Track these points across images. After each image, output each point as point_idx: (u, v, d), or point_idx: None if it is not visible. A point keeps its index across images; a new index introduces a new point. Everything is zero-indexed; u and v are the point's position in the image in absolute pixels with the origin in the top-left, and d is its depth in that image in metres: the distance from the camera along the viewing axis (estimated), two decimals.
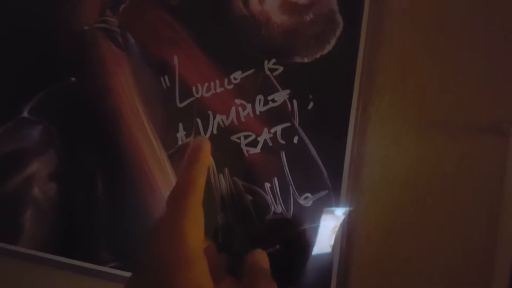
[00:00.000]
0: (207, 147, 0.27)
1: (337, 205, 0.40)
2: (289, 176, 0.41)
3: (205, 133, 0.45)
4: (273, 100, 0.42)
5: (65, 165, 0.51)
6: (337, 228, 0.40)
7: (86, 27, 0.50)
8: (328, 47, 0.40)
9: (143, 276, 0.23)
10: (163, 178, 0.46)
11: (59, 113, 0.51)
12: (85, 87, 0.50)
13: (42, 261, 0.51)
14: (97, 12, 0.50)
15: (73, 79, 0.51)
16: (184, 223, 0.22)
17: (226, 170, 0.44)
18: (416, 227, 0.39)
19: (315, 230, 0.40)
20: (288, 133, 0.42)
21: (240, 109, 0.43)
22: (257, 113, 0.43)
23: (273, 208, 0.42)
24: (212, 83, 0.44)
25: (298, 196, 0.41)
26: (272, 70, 0.42)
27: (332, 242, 0.40)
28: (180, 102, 0.45)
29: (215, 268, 0.24)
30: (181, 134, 0.45)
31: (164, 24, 0.47)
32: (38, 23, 0.53)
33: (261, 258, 0.29)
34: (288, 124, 0.42)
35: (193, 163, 0.26)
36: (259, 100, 0.43)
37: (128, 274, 0.47)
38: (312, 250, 0.40)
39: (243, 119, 0.43)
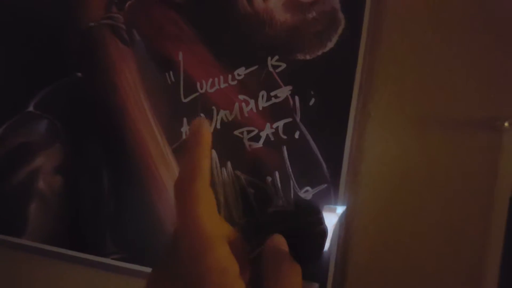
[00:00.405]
0: (206, 128, 0.25)
1: (336, 198, 0.41)
2: (290, 170, 0.43)
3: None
4: (276, 96, 0.43)
5: (70, 159, 0.52)
6: (335, 221, 0.41)
7: (92, 24, 0.51)
8: (330, 45, 0.41)
9: (165, 268, 0.23)
10: (167, 172, 0.47)
11: (64, 108, 0.52)
12: (91, 83, 0.51)
13: (47, 254, 0.52)
14: (103, 9, 0.51)
15: (79, 74, 0.52)
16: (196, 209, 0.21)
17: (229, 163, 0.45)
18: (412, 220, 0.40)
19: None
20: (289, 129, 0.43)
21: (243, 104, 0.44)
22: (260, 108, 0.44)
23: (274, 201, 0.43)
24: (216, 79, 0.45)
25: (298, 189, 0.42)
26: (275, 67, 0.43)
27: (330, 234, 0.41)
28: (185, 97, 0.47)
29: (240, 255, 0.22)
30: (185, 128, 0.47)
31: (169, 20, 0.48)
32: (44, 19, 0.54)
33: (280, 241, 0.29)
34: (290, 120, 0.43)
35: (195, 147, 0.24)
36: (262, 96, 0.44)
37: (132, 266, 0.48)
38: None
39: (246, 114, 0.44)
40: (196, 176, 0.22)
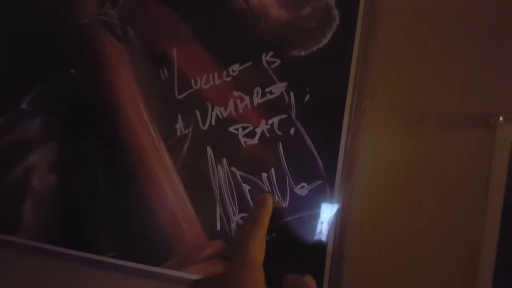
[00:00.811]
0: (270, 202, 0.35)
1: (332, 194, 0.41)
2: (286, 166, 0.43)
3: (204, 125, 0.46)
4: (271, 92, 0.43)
5: (65, 156, 0.51)
6: (331, 216, 0.41)
7: (85, 20, 0.51)
8: (325, 41, 0.41)
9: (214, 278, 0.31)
10: (162, 169, 0.47)
11: (58, 105, 0.52)
12: (85, 79, 0.51)
13: (42, 252, 0.52)
14: (96, 5, 0.50)
15: (72, 71, 0.51)
16: (253, 241, 0.32)
17: (224, 160, 0.45)
18: (407, 215, 0.40)
19: (310, 218, 0.42)
20: (285, 125, 0.43)
21: (238, 101, 0.44)
22: (255, 105, 0.44)
23: None
24: (210, 75, 0.45)
25: (294, 185, 0.42)
26: (269, 63, 0.43)
27: (326, 230, 0.41)
28: (179, 94, 0.46)
29: None
30: (179, 125, 0.46)
31: (164, 16, 0.47)
32: (38, 16, 0.54)
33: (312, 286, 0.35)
34: (285, 116, 0.43)
35: (260, 212, 0.34)
36: (257, 92, 0.44)
37: (127, 263, 0.48)
38: (307, 237, 0.41)
39: (241, 111, 0.44)
40: (259, 225, 0.33)
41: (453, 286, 0.39)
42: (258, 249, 0.32)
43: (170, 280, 0.46)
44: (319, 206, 0.41)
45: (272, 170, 0.43)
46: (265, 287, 0.30)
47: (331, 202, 0.41)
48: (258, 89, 0.44)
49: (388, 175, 0.41)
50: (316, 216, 0.41)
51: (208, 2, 0.46)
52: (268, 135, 0.43)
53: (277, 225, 0.42)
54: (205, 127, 0.45)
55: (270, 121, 0.43)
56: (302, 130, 0.42)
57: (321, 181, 0.42)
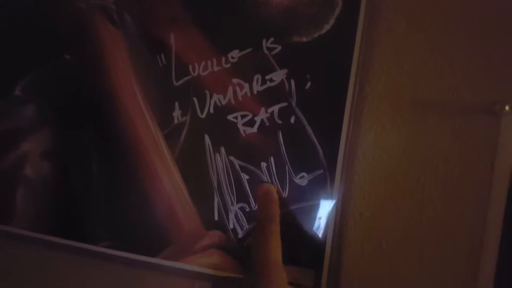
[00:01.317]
0: (275, 193, 0.37)
1: (332, 184, 0.40)
2: (285, 156, 0.42)
3: (202, 113, 0.44)
4: (271, 80, 0.42)
5: (59, 144, 0.50)
6: (331, 206, 0.40)
7: (82, 5, 0.49)
8: (327, 27, 0.40)
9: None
10: (158, 158, 0.46)
11: (53, 92, 0.51)
12: (80, 65, 0.49)
13: (35, 241, 0.51)
14: None
15: (67, 57, 0.50)
16: (270, 241, 0.33)
17: (223, 149, 0.44)
18: (409, 205, 0.40)
19: (310, 208, 0.41)
20: (285, 113, 0.42)
21: (237, 88, 0.43)
22: (255, 92, 0.43)
23: None
24: (209, 62, 0.44)
25: (294, 175, 0.41)
26: (270, 49, 0.42)
27: (326, 220, 0.40)
28: (177, 81, 0.45)
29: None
30: (177, 113, 0.45)
31: (161, 1, 0.46)
32: (32, 0, 0.52)
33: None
34: (285, 104, 0.42)
35: (269, 209, 0.36)
36: (257, 79, 0.43)
37: (122, 253, 0.47)
38: (307, 227, 0.41)
39: (240, 99, 0.43)
40: (273, 222, 0.35)
41: (455, 276, 0.38)
42: (277, 248, 0.33)
43: (166, 270, 0.45)
44: (319, 196, 0.41)
45: (272, 159, 0.42)
46: (288, 287, 0.32)
47: (331, 192, 0.40)
48: (258, 76, 0.43)
49: (390, 165, 0.40)
50: (316, 206, 0.41)
51: None
52: (267, 124, 0.42)
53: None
54: (203, 115, 0.44)
55: (270, 110, 0.42)
56: (302, 118, 0.41)
57: (322, 171, 0.41)
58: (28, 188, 0.51)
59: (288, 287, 0.33)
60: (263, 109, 0.42)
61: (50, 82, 0.51)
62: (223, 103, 0.44)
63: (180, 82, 0.45)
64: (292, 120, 0.42)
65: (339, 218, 0.41)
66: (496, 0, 0.38)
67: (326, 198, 0.41)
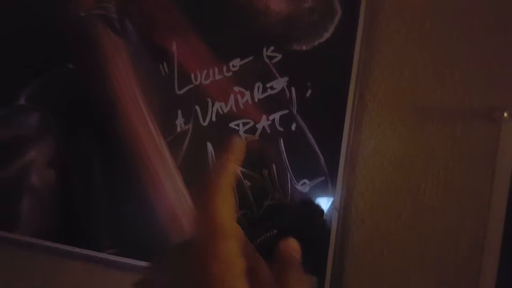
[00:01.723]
0: (242, 144, 0.27)
1: (334, 191, 0.41)
2: (287, 163, 0.42)
3: (204, 121, 0.45)
4: (272, 88, 0.43)
5: (63, 152, 0.51)
6: (333, 213, 0.41)
7: (83, 14, 0.50)
8: (327, 35, 0.41)
9: (169, 259, 0.25)
10: (161, 165, 0.46)
11: (56, 100, 0.51)
12: (83, 74, 0.50)
13: (41, 249, 0.51)
14: None
15: (70, 66, 0.51)
16: (215, 201, 0.23)
17: None
18: (410, 212, 0.40)
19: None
20: (286, 120, 0.42)
21: (239, 96, 0.44)
22: (256, 100, 0.43)
23: (271, 194, 0.43)
24: (211, 70, 0.44)
25: (295, 182, 0.42)
26: (270, 58, 0.43)
27: (328, 226, 0.41)
28: (179, 89, 0.46)
29: (247, 255, 0.24)
30: (180, 121, 0.46)
31: (163, 10, 0.46)
32: (35, 10, 0.53)
33: (294, 248, 0.29)
34: (286, 112, 0.42)
35: (225, 155, 0.26)
36: (258, 87, 0.43)
37: (127, 260, 0.47)
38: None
39: (241, 106, 0.44)
40: (221, 175, 0.25)
41: (456, 282, 0.38)
42: (226, 213, 0.24)
43: None
44: (321, 203, 0.41)
45: (273, 166, 0.43)
46: (242, 276, 0.22)
47: (333, 198, 0.41)
48: (259, 84, 0.43)
49: (391, 171, 0.41)
50: (318, 213, 0.41)
51: None
52: (269, 131, 0.43)
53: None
54: (206, 123, 0.45)
55: (271, 117, 0.43)
56: (303, 125, 0.42)
57: (323, 178, 0.41)
58: (34, 196, 0.52)
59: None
60: (264, 117, 0.43)
61: (54, 92, 0.52)
62: (225, 111, 0.44)
63: (183, 90, 0.46)
64: (293, 127, 0.42)
65: (341, 223, 0.41)
66: (496, 7, 0.38)
67: (328, 204, 0.41)
